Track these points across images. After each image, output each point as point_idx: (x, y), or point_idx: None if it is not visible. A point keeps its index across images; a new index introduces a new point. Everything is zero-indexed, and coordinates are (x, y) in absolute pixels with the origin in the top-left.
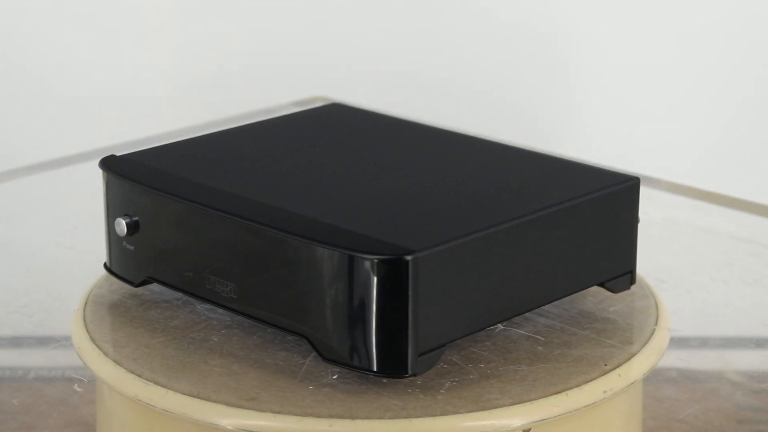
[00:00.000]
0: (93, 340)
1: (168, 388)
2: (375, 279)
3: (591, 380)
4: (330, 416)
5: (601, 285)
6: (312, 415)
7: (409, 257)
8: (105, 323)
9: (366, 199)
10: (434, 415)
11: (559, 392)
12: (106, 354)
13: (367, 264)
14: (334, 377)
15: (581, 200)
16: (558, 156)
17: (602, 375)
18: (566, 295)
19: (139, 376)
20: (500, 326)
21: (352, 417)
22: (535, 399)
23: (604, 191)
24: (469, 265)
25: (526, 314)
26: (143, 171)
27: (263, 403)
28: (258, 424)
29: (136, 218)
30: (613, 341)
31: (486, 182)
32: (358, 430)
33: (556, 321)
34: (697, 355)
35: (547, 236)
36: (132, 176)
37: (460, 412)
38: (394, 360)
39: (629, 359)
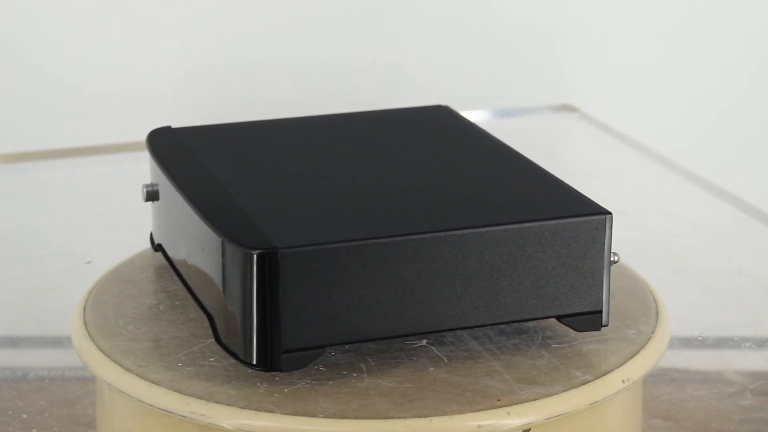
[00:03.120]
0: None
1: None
2: (242, 270)
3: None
4: (328, 416)
5: (561, 320)
6: (307, 414)
7: (269, 252)
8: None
9: (312, 195)
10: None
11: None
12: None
13: (237, 254)
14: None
15: (527, 225)
16: (545, 171)
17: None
18: (510, 322)
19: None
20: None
21: (349, 417)
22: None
23: (563, 220)
24: (356, 270)
25: None
26: (166, 147)
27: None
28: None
29: (156, 188)
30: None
31: (445, 188)
32: (359, 429)
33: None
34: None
35: (477, 256)
36: (154, 149)
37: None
38: (259, 353)
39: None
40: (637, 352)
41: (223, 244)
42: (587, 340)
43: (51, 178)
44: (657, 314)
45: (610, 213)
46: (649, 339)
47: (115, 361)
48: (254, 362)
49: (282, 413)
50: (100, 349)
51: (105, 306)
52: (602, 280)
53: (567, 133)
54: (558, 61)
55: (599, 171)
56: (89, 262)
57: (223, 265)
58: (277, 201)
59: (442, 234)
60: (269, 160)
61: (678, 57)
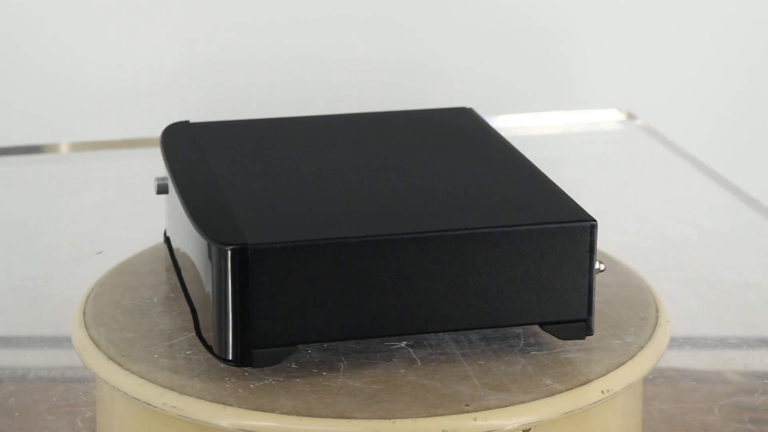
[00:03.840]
0: (93, 340)
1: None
2: (215, 265)
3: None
4: (287, 413)
5: (543, 328)
6: (267, 410)
7: (239, 248)
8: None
9: (305, 193)
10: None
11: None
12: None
13: (211, 249)
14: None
15: (506, 229)
16: (544, 177)
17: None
18: (490, 327)
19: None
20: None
21: (311, 415)
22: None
23: (543, 226)
24: (329, 268)
25: None
26: (177, 141)
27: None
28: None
29: (166, 182)
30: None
31: (437, 191)
32: (318, 428)
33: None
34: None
35: (454, 258)
36: (165, 143)
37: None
38: (231, 348)
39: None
40: (620, 364)
41: (200, 238)
42: (569, 349)
43: (47, 176)
44: (655, 327)
45: (593, 221)
46: (636, 353)
47: (101, 350)
48: (226, 357)
49: (244, 408)
50: (91, 338)
51: (104, 296)
52: (586, 289)
53: (619, 139)
54: (610, 66)
55: (635, 178)
56: (100, 252)
57: (201, 260)
58: (268, 198)
59: (417, 235)
60: (276, 157)
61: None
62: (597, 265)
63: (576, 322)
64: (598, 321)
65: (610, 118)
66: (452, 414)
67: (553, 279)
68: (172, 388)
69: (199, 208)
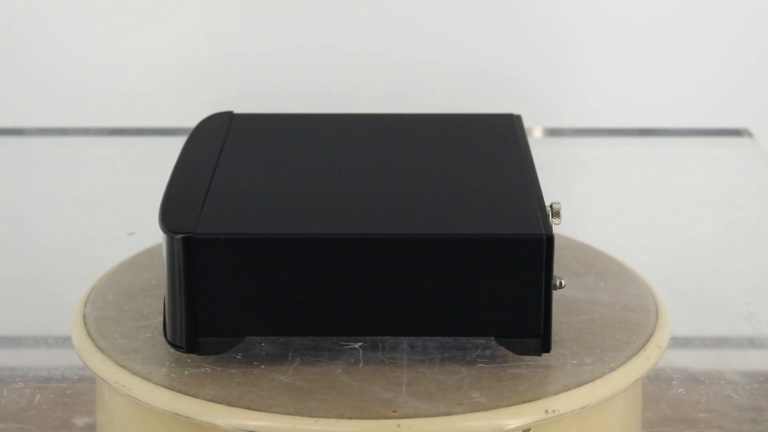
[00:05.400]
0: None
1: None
2: (167, 252)
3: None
4: (247, 408)
5: (498, 341)
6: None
7: (185, 237)
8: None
9: (292, 189)
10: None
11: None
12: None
13: (164, 237)
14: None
15: (453, 236)
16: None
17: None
18: (442, 335)
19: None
20: None
21: (271, 411)
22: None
23: (493, 236)
24: (276, 263)
25: None
26: (205, 130)
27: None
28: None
29: None
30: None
31: (420, 195)
32: (279, 425)
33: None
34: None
35: (403, 262)
36: (195, 131)
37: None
38: (178, 334)
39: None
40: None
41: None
42: (518, 365)
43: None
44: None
45: (547, 235)
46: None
47: (114, 361)
48: (175, 342)
49: (172, 390)
50: (100, 349)
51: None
52: (540, 304)
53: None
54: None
55: (704, 198)
56: (132, 234)
57: (163, 248)
58: (252, 192)
59: (362, 236)
60: (292, 151)
61: None
62: (556, 281)
63: (532, 338)
64: (574, 339)
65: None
66: (376, 418)
67: (506, 291)
68: (127, 369)
69: (173, 197)
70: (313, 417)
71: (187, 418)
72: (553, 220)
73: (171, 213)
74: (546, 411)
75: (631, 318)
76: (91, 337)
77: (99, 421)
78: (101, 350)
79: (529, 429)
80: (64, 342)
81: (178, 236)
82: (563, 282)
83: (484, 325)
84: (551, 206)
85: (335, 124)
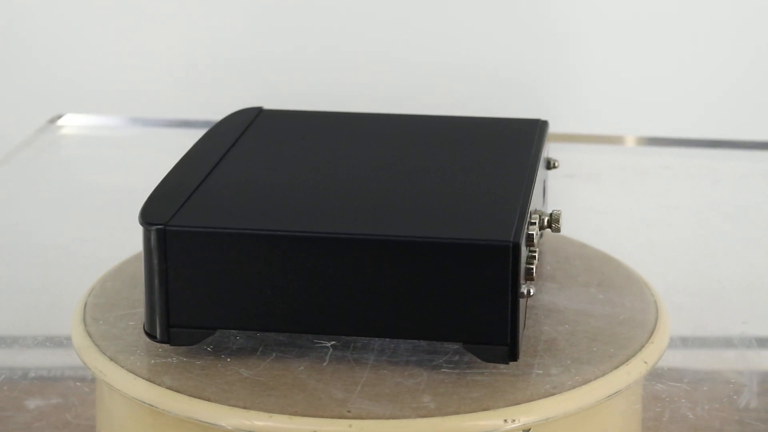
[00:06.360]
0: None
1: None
2: (143, 243)
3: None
4: (204, 399)
5: (466, 347)
6: (191, 395)
7: (157, 228)
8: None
9: (284, 187)
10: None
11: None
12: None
13: (141, 228)
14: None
15: (416, 239)
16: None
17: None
18: (409, 338)
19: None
20: None
21: (226, 404)
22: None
23: (455, 241)
24: (245, 258)
25: None
26: (228, 124)
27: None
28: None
29: None
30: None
31: (407, 194)
32: (311, 428)
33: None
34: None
35: (370, 263)
36: (217, 126)
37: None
38: (151, 324)
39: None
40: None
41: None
42: (481, 371)
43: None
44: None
45: (513, 243)
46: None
47: (115, 361)
48: (149, 332)
49: (134, 376)
50: (101, 349)
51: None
52: (507, 311)
53: None
54: None
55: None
56: None
57: None
58: (245, 187)
59: (329, 235)
60: (304, 148)
61: None
62: (523, 289)
63: (498, 346)
64: (548, 349)
65: None
66: (330, 417)
67: (472, 298)
68: (106, 355)
69: (162, 189)
70: (267, 412)
71: (142, 402)
72: (543, 230)
73: (151, 204)
74: (505, 420)
75: (620, 332)
76: (85, 321)
77: (99, 421)
78: (88, 332)
79: (529, 429)
80: (67, 342)
81: (152, 227)
82: (532, 291)
83: (451, 331)
84: (551, 214)
85: (361, 123)
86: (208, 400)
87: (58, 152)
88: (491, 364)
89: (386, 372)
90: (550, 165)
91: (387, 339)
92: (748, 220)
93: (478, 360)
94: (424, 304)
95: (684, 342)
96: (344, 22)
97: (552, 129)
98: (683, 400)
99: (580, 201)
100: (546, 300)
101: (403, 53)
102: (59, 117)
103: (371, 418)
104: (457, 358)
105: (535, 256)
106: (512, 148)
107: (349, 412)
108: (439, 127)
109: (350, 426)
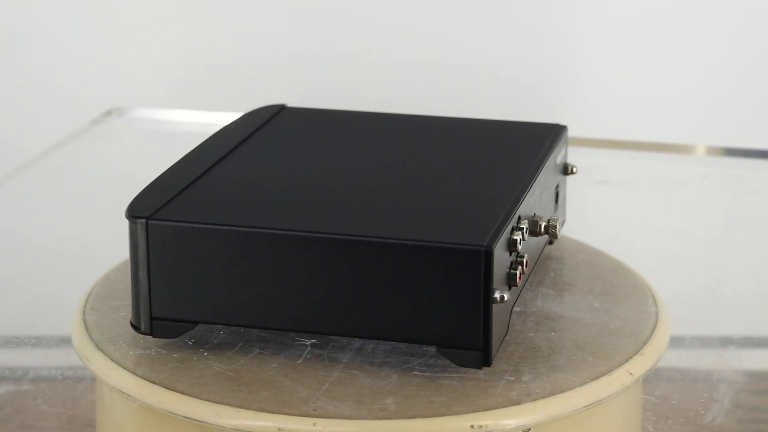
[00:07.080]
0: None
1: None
2: (129, 235)
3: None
4: (176, 391)
5: (439, 350)
6: (165, 387)
7: (140, 221)
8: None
9: (282, 186)
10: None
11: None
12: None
13: (128, 221)
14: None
15: (390, 241)
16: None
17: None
18: (384, 339)
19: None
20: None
21: (197, 397)
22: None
23: (428, 244)
24: (226, 254)
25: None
26: (246, 120)
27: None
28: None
29: None
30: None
31: (400, 195)
32: (276, 425)
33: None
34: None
35: (343, 263)
36: (235, 122)
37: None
38: (136, 315)
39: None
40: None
41: None
42: (453, 376)
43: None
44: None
45: (485, 247)
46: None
47: (115, 361)
48: (134, 323)
49: (112, 364)
50: (100, 349)
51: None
52: (480, 316)
53: None
54: None
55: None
56: None
57: None
58: (240, 184)
59: (308, 234)
60: (311, 148)
61: None
62: (497, 294)
63: (472, 350)
64: (525, 356)
65: None
66: (296, 415)
67: (446, 302)
68: (94, 342)
69: (157, 183)
70: (235, 407)
71: (115, 388)
72: (539, 235)
73: (141, 198)
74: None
75: (607, 342)
76: (84, 310)
77: (99, 421)
78: (84, 321)
79: (529, 429)
80: (67, 342)
81: (136, 221)
82: (506, 296)
83: (426, 334)
84: (549, 220)
85: (380, 123)
86: (181, 392)
87: (113, 144)
88: (463, 369)
89: (357, 372)
90: (567, 170)
91: (366, 339)
92: None
93: (453, 364)
94: (400, 306)
95: (687, 342)
96: (366, 27)
97: (597, 134)
98: (682, 401)
99: (612, 209)
100: (540, 307)
101: (419, 55)
102: (113, 110)
103: (335, 418)
104: (432, 361)
105: (522, 262)
106: (520, 151)
107: (314, 410)
108: (455, 128)
109: (314, 425)
